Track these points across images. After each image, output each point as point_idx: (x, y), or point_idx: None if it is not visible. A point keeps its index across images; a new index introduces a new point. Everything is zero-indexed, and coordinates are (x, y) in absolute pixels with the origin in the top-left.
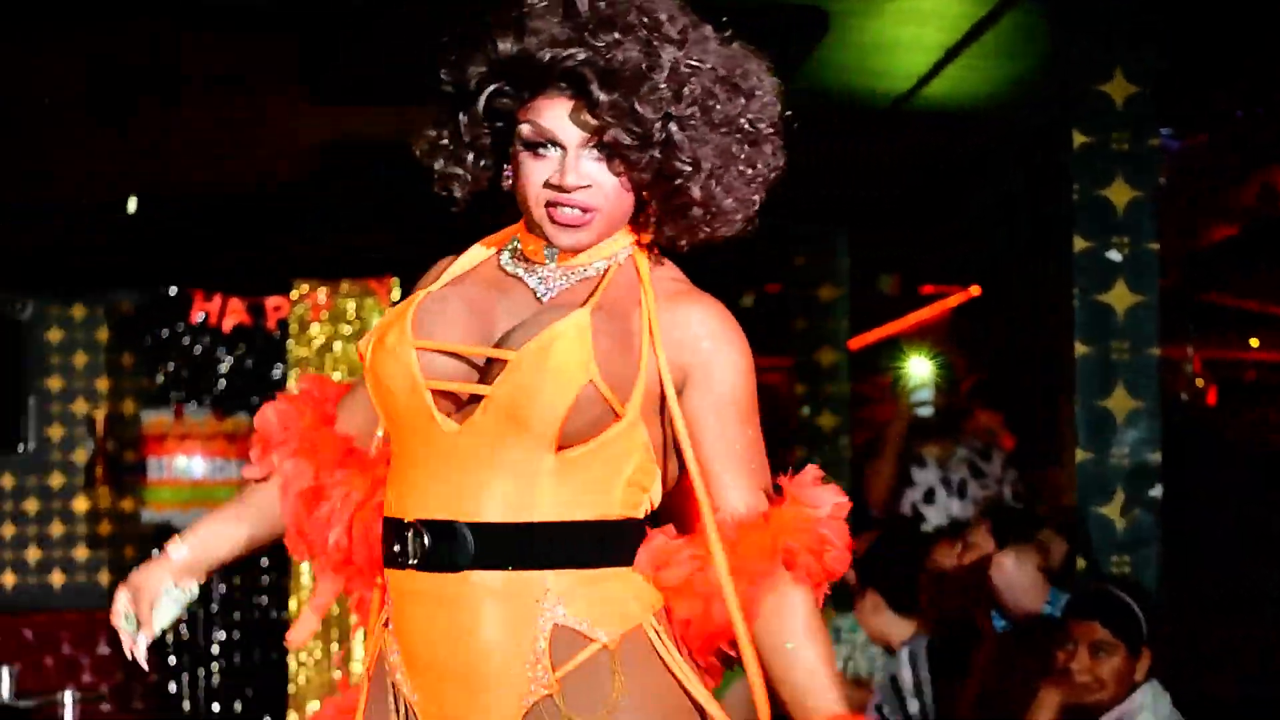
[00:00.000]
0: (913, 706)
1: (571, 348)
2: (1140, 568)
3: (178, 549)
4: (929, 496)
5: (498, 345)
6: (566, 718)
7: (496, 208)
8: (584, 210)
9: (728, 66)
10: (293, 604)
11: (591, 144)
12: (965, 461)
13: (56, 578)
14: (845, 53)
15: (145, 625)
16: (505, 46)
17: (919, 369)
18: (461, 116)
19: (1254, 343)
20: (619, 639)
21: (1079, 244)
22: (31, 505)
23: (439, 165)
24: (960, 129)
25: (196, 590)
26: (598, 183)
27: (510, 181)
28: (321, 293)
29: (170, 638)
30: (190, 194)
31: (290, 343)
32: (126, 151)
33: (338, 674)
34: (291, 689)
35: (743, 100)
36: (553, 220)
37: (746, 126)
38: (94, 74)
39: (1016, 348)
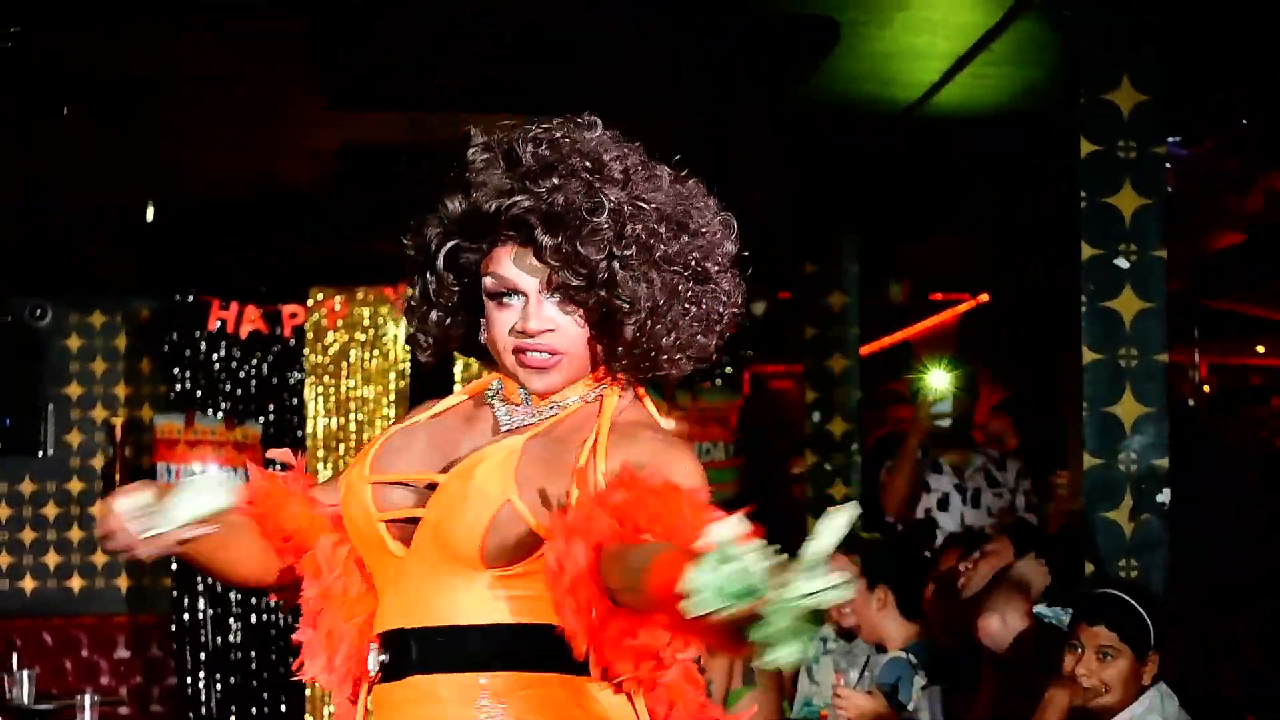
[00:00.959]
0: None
1: (492, 470)
2: (1148, 572)
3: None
4: (944, 503)
5: (445, 471)
6: None
7: None
8: (550, 353)
9: (674, 204)
10: None
11: (547, 289)
12: (981, 470)
13: (75, 582)
14: (856, 62)
15: (158, 519)
16: (454, 205)
17: (938, 381)
18: (428, 277)
19: (1260, 349)
20: None
21: (1086, 251)
22: (50, 510)
23: (409, 327)
24: (969, 136)
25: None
26: (560, 326)
27: (485, 334)
28: (337, 300)
29: (188, 640)
30: (207, 201)
31: (306, 350)
32: (144, 158)
33: None
34: (308, 692)
35: (687, 238)
36: (523, 365)
37: (693, 265)
38: (105, 78)
39: (1024, 354)
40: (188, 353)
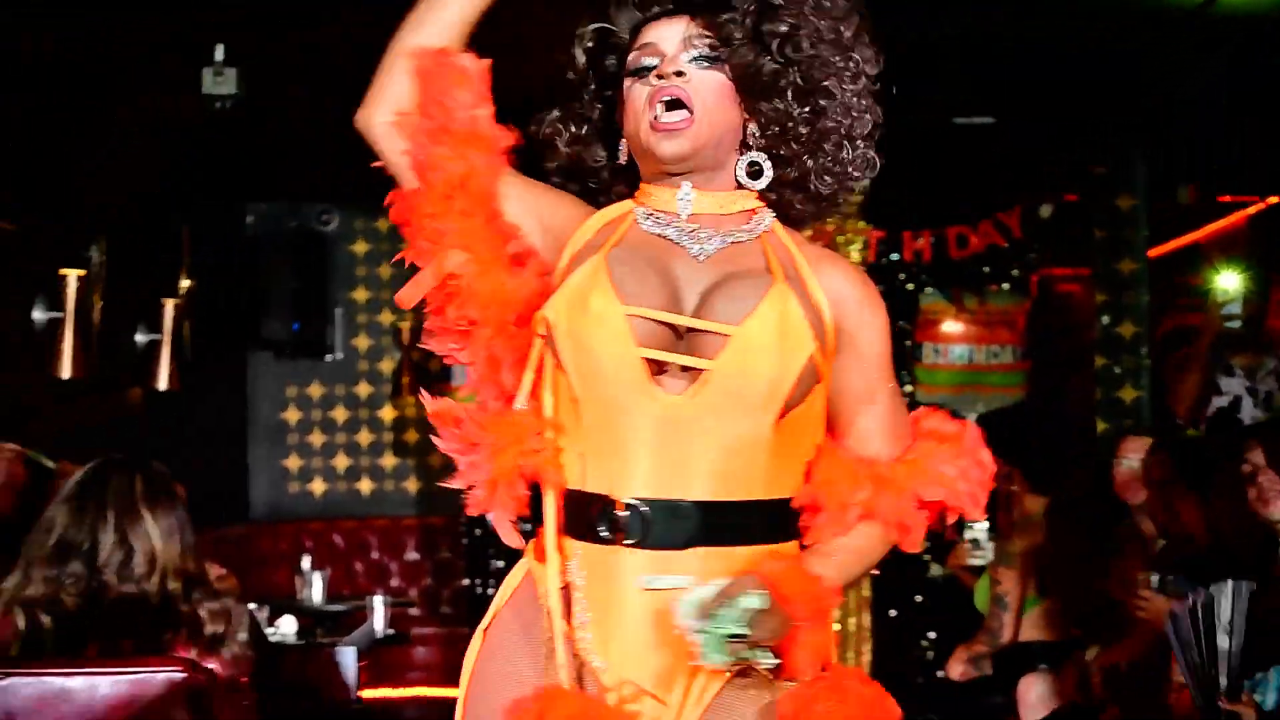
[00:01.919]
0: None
1: (797, 324)
2: None
3: None
4: (1235, 405)
5: (698, 314)
6: (765, 674)
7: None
8: (682, 106)
9: (834, 27)
10: None
11: (693, 51)
12: (1273, 373)
13: (365, 485)
14: None
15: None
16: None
17: (1228, 282)
18: (579, 107)
19: None
20: None
21: None
22: (339, 414)
23: (546, 159)
24: (1262, 34)
25: None
26: (697, 78)
27: (626, 154)
28: None
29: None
30: (496, 104)
31: None
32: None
33: None
34: None
35: (842, 62)
36: (653, 129)
37: (847, 84)
38: None
39: None
40: None
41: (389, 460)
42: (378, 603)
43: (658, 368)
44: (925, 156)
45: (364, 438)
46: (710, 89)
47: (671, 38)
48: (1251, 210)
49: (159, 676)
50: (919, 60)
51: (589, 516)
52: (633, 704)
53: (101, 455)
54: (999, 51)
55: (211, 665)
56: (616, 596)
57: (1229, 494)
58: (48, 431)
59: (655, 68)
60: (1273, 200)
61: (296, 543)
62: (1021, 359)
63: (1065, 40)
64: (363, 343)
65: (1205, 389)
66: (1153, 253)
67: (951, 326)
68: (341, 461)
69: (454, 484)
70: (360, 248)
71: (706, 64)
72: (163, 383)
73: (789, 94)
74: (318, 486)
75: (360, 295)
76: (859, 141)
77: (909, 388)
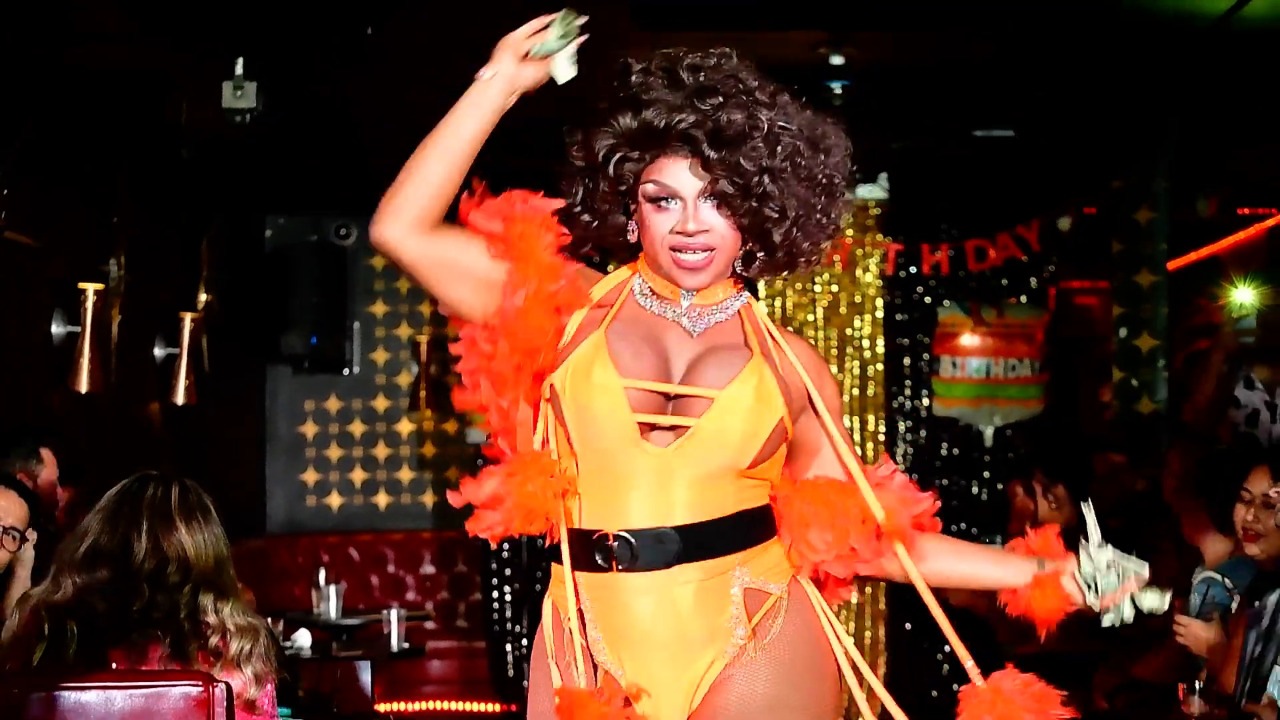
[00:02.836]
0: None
1: (770, 391)
2: None
3: None
4: (1252, 419)
5: (685, 381)
6: (759, 648)
7: None
8: (705, 250)
9: (810, 128)
10: None
11: (705, 195)
12: None
13: (381, 499)
14: None
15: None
16: (625, 121)
17: (1242, 296)
18: (589, 183)
19: None
20: (785, 589)
21: None
22: (357, 428)
23: (573, 228)
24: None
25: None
26: (714, 227)
27: (635, 235)
28: None
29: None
30: (509, 121)
31: (610, 266)
32: (450, 76)
33: None
34: None
35: (822, 157)
36: (678, 265)
37: (824, 180)
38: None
39: None
40: None
41: (405, 474)
42: (393, 616)
43: (649, 425)
44: (944, 169)
45: (381, 451)
46: (723, 231)
47: (687, 183)
48: (1271, 223)
49: (175, 690)
50: (940, 73)
51: (588, 550)
52: (643, 702)
53: (139, 471)
54: (1019, 65)
55: (234, 681)
56: (620, 613)
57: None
58: (66, 446)
59: (674, 210)
60: None
61: (313, 556)
62: (1040, 372)
63: (1085, 53)
64: (380, 357)
65: (1218, 403)
66: (1172, 265)
67: (969, 340)
68: (358, 475)
69: (469, 500)
70: (378, 262)
71: (715, 206)
72: (181, 397)
73: (771, 201)
74: (334, 500)
75: (378, 309)
76: (829, 206)
77: (925, 401)
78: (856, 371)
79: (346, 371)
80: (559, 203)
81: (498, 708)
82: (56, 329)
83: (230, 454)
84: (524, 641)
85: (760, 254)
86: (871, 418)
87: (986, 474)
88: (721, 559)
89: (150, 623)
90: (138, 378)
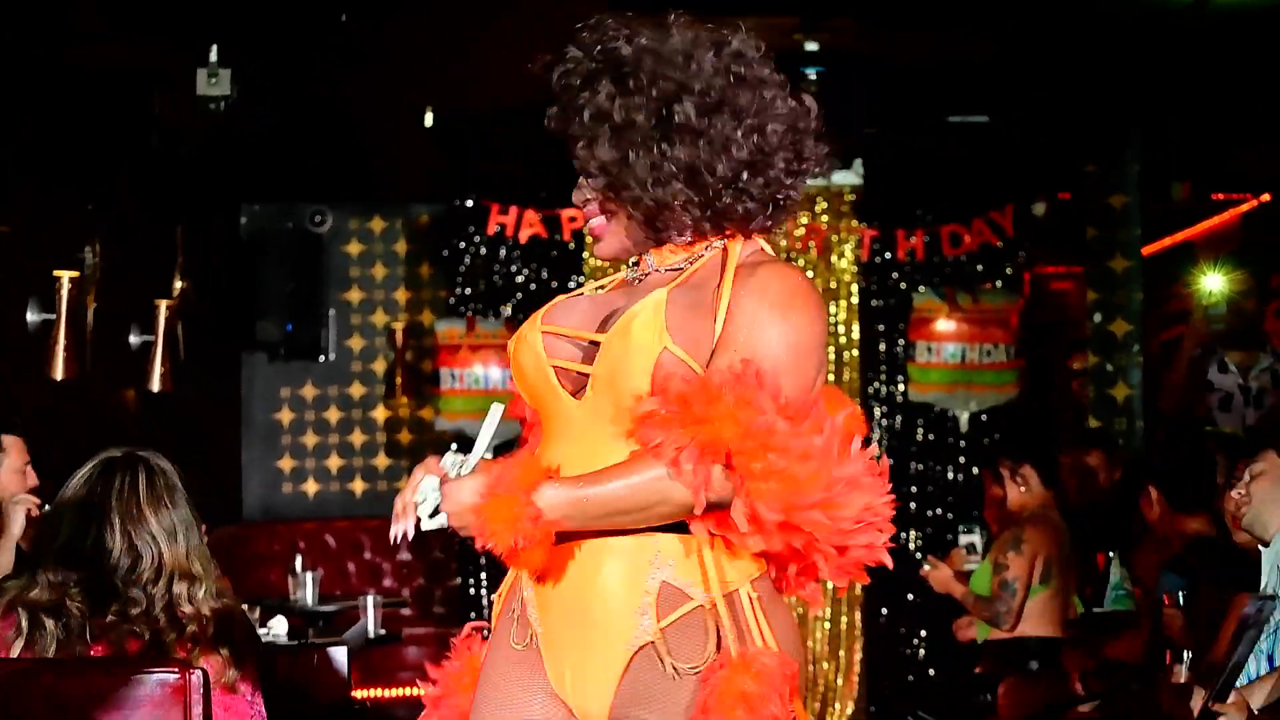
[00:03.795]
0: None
1: (646, 322)
2: None
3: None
4: (1225, 402)
5: (601, 330)
6: (668, 663)
7: None
8: (594, 222)
9: (706, 80)
10: None
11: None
12: (1268, 371)
13: (358, 485)
14: None
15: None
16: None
17: (1213, 283)
18: None
19: None
20: (713, 602)
21: None
22: (333, 414)
23: None
24: (1254, 32)
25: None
26: (592, 201)
27: None
28: None
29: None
30: (486, 107)
31: (585, 253)
32: (424, 64)
33: None
34: None
35: (708, 116)
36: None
37: (677, 118)
38: None
39: None
40: (467, 258)
41: (382, 461)
42: (370, 603)
43: (579, 384)
44: (919, 155)
45: (357, 438)
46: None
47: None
48: (1244, 208)
49: (152, 678)
50: (914, 60)
51: None
52: (564, 682)
53: (103, 453)
54: (993, 52)
55: (212, 663)
56: (547, 575)
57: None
58: (41, 433)
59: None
60: (1265, 198)
61: (289, 543)
62: (1015, 357)
63: (1058, 40)
64: (356, 344)
65: (1191, 386)
66: (1146, 251)
67: (944, 325)
68: (334, 462)
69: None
70: (354, 249)
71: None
72: (156, 384)
73: (596, 148)
74: (311, 487)
75: (354, 296)
76: (755, 147)
77: (901, 386)
78: (832, 357)
79: (322, 358)
80: None
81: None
82: (32, 316)
83: (206, 441)
84: None
85: (633, 213)
86: None
87: (962, 459)
88: (644, 538)
89: (128, 620)
90: (113, 365)
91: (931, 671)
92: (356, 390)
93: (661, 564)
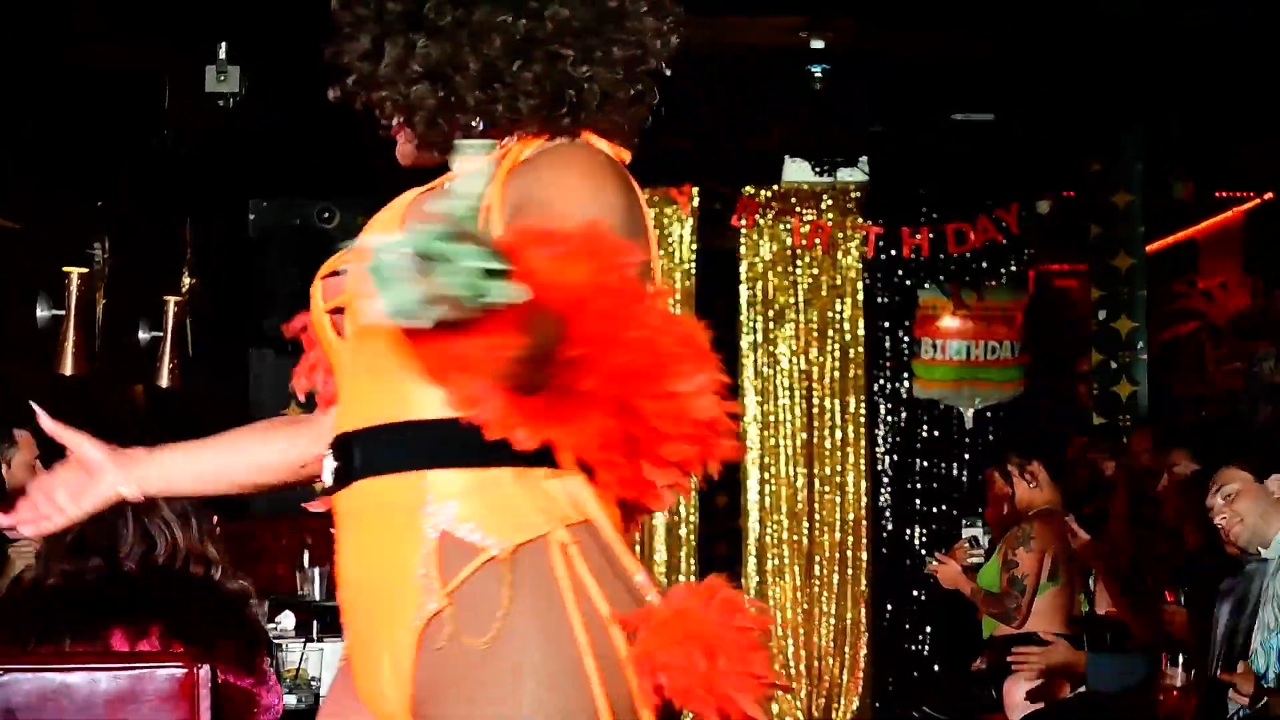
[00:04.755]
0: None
1: (382, 234)
2: None
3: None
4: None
5: None
6: (447, 634)
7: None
8: (386, 125)
9: None
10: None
11: None
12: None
13: None
14: None
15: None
16: None
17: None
18: None
19: None
20: (512, 550)
21: None
22: None
23: None
24: (1255, 28)
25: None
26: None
27: None
28: None
29: None
30: None
31: None
32: None
33: None
34: None
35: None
36: None
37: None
38: None
39: None
40: None
41: None
42: None
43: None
44: (923, 153)
45: None
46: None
47: None
48: (1247, 206)
49: (160, 672)
50: (917, 57)
51: None
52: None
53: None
54: (996, 48)
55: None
56: (338, 545)
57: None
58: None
59: None
60: (1269, 196)
61: (297, 538)
62: (1019, 354)
63: (1062, 39)
64: None
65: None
66: (1149, 249)
67: (949, 322)
68: None
69: None
70: None
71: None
72: (165, 380)
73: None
74: (318, 482)
75: None
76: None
77: (906, 383)
78: (837, 354)
79: None
80: None
81: None
82: (41, 313)
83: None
84: None
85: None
86: (852, 400)
87: (966, 456)
88: (410, 478)
89: (148, 603)
90: (122, 361)
91: (936, 667)
92: None
93: (438, 507)
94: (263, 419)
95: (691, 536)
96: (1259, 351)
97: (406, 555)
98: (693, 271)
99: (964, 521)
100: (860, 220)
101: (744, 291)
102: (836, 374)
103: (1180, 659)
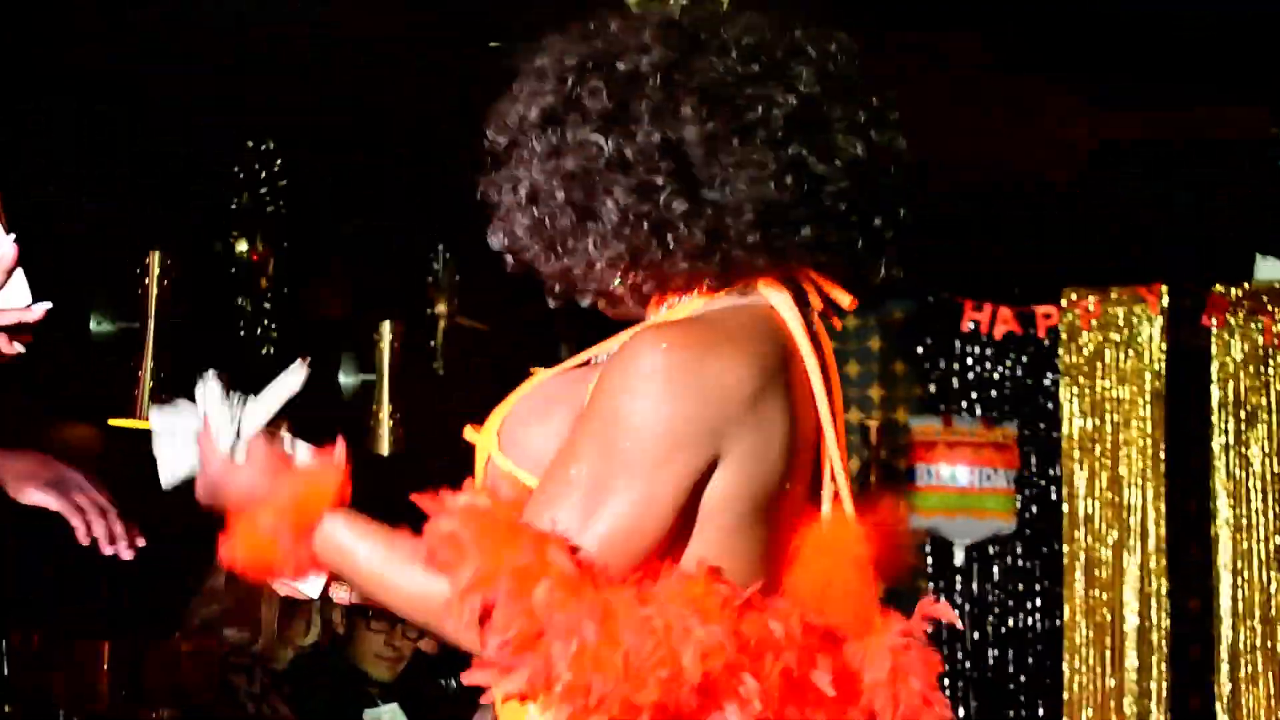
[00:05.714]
0: None
1: (491, 420)
2: None
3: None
4: None
5: None
6: None
7: None
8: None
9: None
10: (1066, 612)
11: None
12: None
13: None
14: None
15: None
16: None
17: None
18: None
19: None
20: None
21: None
22: None
23: None
24: None
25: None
26: None
27: None
28: (1091, 300)
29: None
30: (960, 200)
31: (1060, 350)
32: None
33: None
34: (1065, 695)
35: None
36: None
37: (574, 170)
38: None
39: None
40: (941, 354)
41: None
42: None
43: None
44: None
45: None
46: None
47: None
48: None
49: None
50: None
51: None
52: None
53: None
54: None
55: None
56: None
57: None
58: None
59: None
60: None
61: None
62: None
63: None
64: None
65: None
66: None
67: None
68: None
69: None
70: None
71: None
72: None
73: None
74: None
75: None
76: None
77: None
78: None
79: None
80: None
81: None
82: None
83: None
84: None
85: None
86: None
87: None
88: None
89: None
90: None
91: None
92: None
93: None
94: None
95: (1163, 642)
96: None
97: None
98: (1162, 372)
99: None
100: None
101: (1215, 392)
102: None
103: None
